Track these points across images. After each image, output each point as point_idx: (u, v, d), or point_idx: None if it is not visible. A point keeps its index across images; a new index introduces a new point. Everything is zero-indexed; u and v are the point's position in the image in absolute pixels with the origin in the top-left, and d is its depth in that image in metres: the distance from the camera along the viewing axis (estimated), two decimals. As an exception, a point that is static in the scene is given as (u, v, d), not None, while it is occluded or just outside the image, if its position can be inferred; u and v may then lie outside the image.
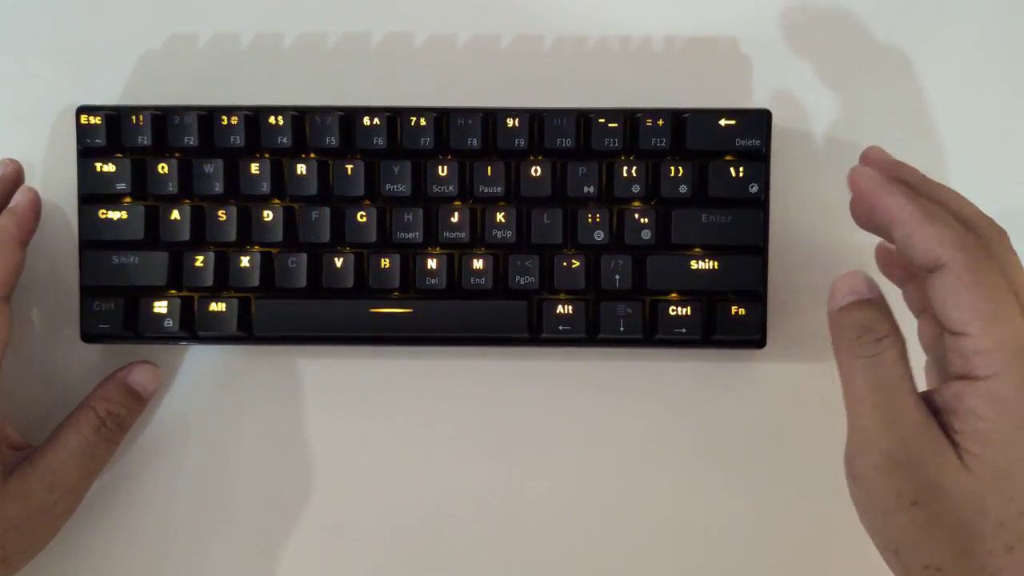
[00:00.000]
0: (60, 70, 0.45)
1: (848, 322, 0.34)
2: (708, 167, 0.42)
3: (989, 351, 0.31)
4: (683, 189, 0.42)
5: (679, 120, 0.42)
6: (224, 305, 0.42)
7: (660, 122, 0.42)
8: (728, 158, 0.42)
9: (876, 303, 0.34)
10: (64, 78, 0.45)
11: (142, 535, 0.45)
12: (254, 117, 0.42)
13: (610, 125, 0.42)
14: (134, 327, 0.42)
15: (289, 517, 0.45)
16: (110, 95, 0.45)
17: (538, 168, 0.42)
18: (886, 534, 0.33)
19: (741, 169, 0.42)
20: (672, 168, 0.42)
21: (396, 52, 0.45)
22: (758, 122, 0.42)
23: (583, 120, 0.42)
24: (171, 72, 0.45)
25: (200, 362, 0.45)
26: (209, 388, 0.45)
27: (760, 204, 0.42)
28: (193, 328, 0.42)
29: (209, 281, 0.42)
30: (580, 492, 0.45)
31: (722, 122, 0.42)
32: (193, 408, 0.45)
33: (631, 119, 0.42)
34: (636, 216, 0.42)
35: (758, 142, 0.42)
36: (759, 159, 0.42)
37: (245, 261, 0.42)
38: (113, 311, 0.42)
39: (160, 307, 0.42)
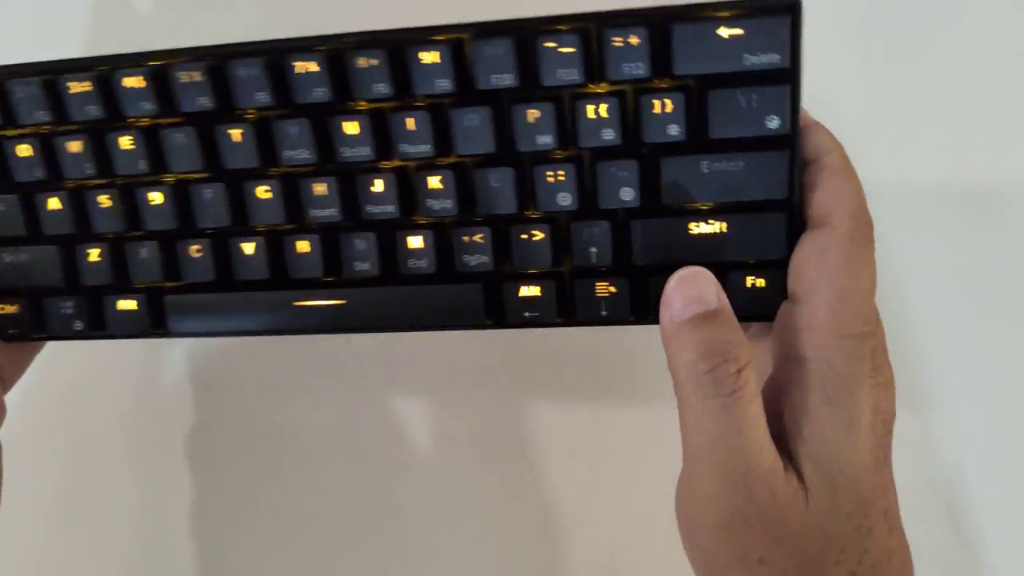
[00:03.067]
0: None
1: (694, 344, 0.31)
2: (707, 97, 0.32)
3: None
4: (674, 131, 0.33)
5: (661, 32, 0.32)
6: (134, 302, 0.39)
7: (633, 39, 0.32)
8: (744, 80, 0.32)
9: (724, 315, 0.31)
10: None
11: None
12: (106, 79, 0.36)
13: (563, 50, 0.32)
14: (43, 329, 0.40)
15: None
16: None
17: (473, 115, 0.34)
18: None
19: (754, 97, 0.32)
20: (656, 102, 0.32)
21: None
22: (775, 28, 0.31)
23: (525, 44, 0.32)
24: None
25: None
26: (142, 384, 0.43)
27: (785, 143, 0.32)
28: (104, 327, 0.39)
29: (108, 277, 0.38)
30: (576, 490, 0.41)
31: (723, 31, 0.31)
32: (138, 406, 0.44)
33: (593, 36, 0.32)
34: (612, 170, 0.34)
35: (777, 57, 0.31)
36: (781, 80, 0.31)
37: (142, 252, 0.38)
38: (19, 313, 0.40)
39: (65, 307, 0.39)
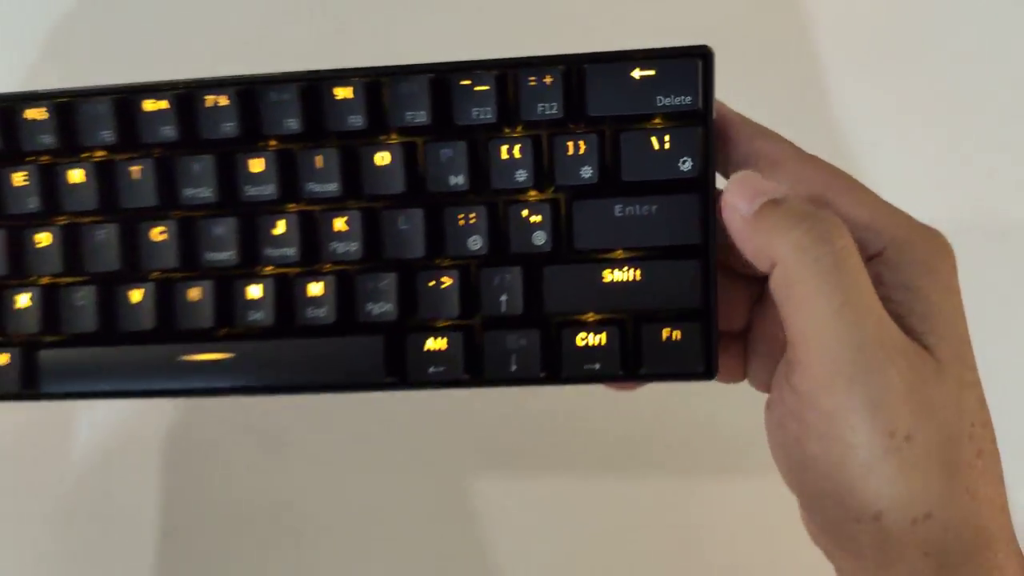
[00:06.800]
0: None
1: (776, 223, 0.31)
2: (620, 139, 0.33)
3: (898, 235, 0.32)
4: (587, 173, 0.34)
5: (575, 74, 0.33)
6: (6, 356, 0.37)
7: (548, 79, 0.33)
8: (656, 122, 0.33)
9: (793, 199, 0.32)
10: None
11: None
12: (9, 110, 0.35)
13: (478, 88, 0.34)
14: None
15: None
16: None
17: (385, 154, 0.34)
18: (865, 495, 0.30)
19: (667, 139, 0.33)
20: (570, 144, 0.34)
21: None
22: (687, 70, 0.33)
23: (442, 83, 0.34)
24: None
25: None
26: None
27: (698, 186, 0.33)
28: (-32, 386, 0.37)
29: (-21, 327, 0.37)
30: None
31: (636, 73, 0.33)
32: None
33: (508, 77, 0.33)
34: (524, 213, 0.34)
35: (689, 99, 0.33)
36: (694, 122, 0.33)
37: (23, 300, 0.36)
38: None
39: (-74, 361, 0.37)
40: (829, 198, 0.33)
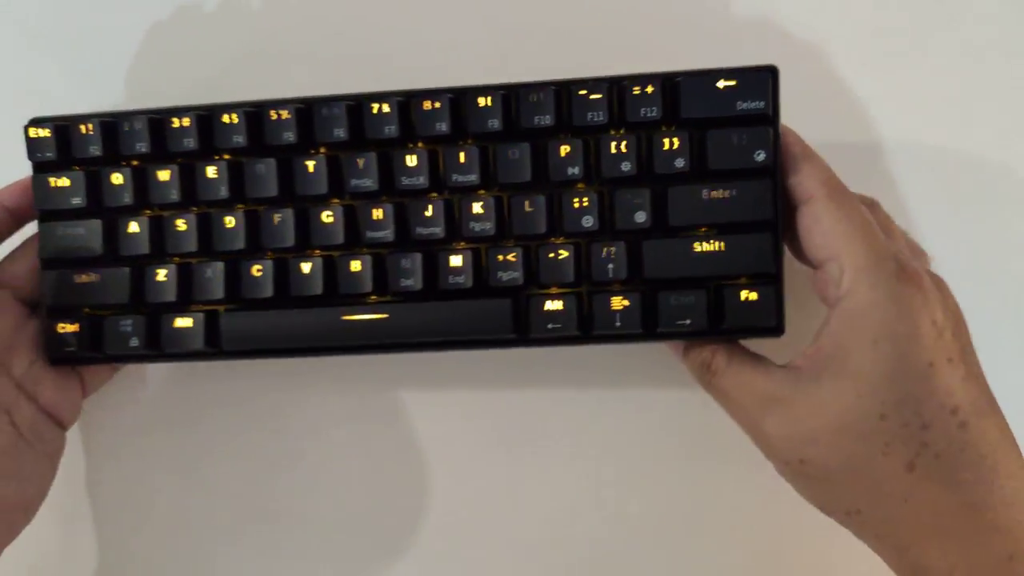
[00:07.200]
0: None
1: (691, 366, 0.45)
2: (707, 136, 0.42)
3: (847, 269, 0.38)
4: (680, 163, 0.42)
5: (671, 85, 0.42)
6: (191, 320, 0.44)
7: (649, 88, 0.42)
8: (736, 123, 0.42)
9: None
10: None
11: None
12: (207, 117, 0.44)
13: (593, 96, 0.43)
14: (100, 347, 0.45)
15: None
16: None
17: (516, 150, 0.43)
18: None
19: (744, 136, 0.42)
20: (666, 140, 0.42)
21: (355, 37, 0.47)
22: (761, 81, 0.42)
23: (563, 93, 0.42)
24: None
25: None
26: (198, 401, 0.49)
27: (769, 174, 0.42)
28: (160, 346, 0.45)
29: (173, 295, 0.45)
30: (584, 491, 0.46)
31: (720, 84, 0.42)
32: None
33: (617, 88, 0.42)
34: (628, 197, 0.43)
35: (762, 104, 0.42)
36: (765, 123, 0.41)
37: (209, 272, 0.44)
38: (80, 332, 0.45)
39: (125, 325, 0.45)
40: (831, 242, 0.39)
